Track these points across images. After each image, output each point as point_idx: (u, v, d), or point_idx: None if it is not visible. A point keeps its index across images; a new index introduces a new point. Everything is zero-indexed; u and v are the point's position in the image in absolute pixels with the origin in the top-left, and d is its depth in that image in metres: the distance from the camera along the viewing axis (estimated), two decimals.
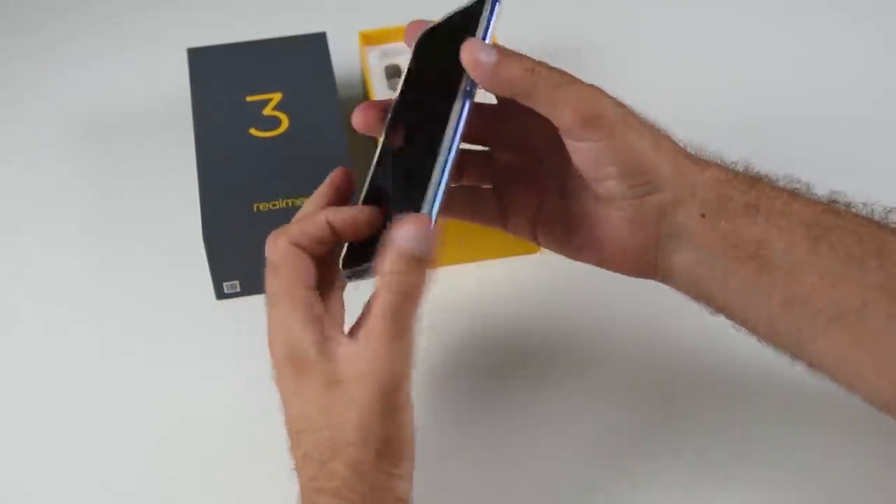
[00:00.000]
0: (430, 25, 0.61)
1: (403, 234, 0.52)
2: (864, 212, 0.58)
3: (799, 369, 0.59)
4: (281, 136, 0.76)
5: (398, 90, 0.61)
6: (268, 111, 0.77)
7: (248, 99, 0.78)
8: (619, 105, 0.57)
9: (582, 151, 0.57)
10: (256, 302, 0.72)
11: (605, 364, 0.70)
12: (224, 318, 0.73)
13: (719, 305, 0.60)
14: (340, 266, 0.56)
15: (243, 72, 0.80)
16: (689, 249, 0.58)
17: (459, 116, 0.56)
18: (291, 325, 0.53)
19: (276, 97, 0.78)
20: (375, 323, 0.52)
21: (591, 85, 0.57)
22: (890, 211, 0.59)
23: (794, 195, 0.58)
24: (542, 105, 0.56)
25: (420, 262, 0.52)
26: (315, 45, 0.82)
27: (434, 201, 0.55)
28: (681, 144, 0.59)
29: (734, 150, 0.60)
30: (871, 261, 0.55)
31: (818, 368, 0.59)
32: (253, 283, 0.73)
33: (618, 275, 0.61)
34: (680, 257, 0.59)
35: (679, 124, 0.60)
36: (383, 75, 0.82)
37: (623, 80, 0.58)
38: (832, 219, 0.57)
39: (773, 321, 0.58)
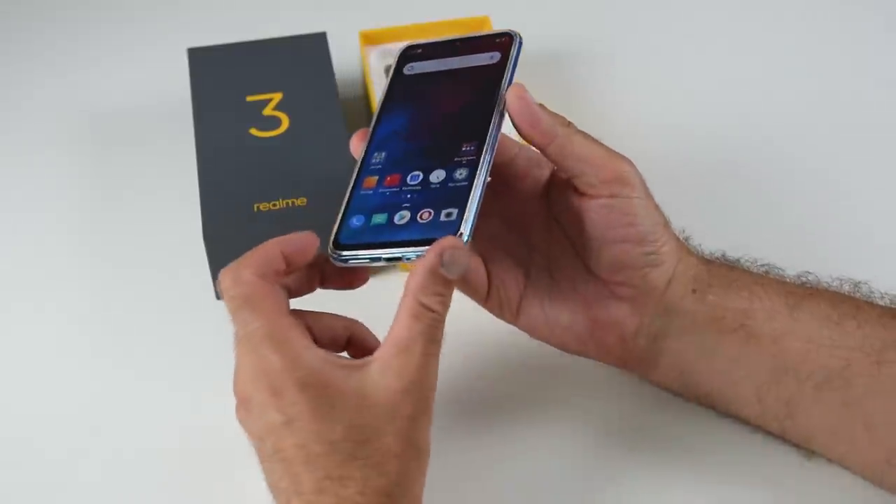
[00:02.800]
0: (416, 43, 0.61)
1: (448, 258, 0.52)
2: (834, 285, 0.61)
3: None
4: (281, 136, 0.76)
5: (381, 98, 0.61)
6: (268, 111, 0.77)
7: (248, 99, 0.78)
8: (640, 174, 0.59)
9: (604, 209, 0.58)
10: None
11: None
12: (224, 318, 0.72)
13: (705, 390, 0.61)
14: (333, 249, 0.56)
15: (243, 72, 0.80)
16: (679, 330, 0.59)
17: (495, 138, 0.57)
18: (295, 352, 0.52)
19: (276, 97, 0.78)
20: (414, 341, 0.52)
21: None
22: (858, 284, 0.61)
23: (768, 275, 0.62)
24: (576, 155, 0.57)
25: (451, 284, 0.53)
26: (315, 45, 0.82)
27: (472, 222, 0.54)
28: None
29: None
30: (849, 322, 0.57)
31: (810, 440, 0.59)
32: None
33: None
34: (670, 340, 0.60)
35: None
36: (383, 75, 0.82)
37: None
38: (806, 290, 0.60)
39: (762, 395, 0.59)
